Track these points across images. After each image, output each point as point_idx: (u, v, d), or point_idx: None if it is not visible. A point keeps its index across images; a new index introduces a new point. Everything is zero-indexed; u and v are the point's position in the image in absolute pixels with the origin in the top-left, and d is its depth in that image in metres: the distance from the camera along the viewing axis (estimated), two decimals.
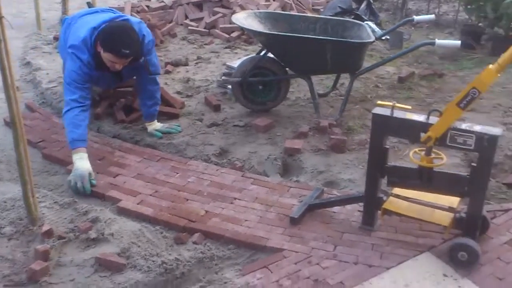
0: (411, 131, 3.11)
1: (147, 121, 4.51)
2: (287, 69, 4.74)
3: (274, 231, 3.32)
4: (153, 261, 3.02)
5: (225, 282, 2.90)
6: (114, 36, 3.92)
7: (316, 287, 2.89)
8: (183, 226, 3.36)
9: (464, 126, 2.99)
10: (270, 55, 4.70)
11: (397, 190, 3.35)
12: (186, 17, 7.55)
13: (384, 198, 3.32)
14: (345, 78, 5.19)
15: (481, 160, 2.98)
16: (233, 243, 3.24)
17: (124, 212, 3.52)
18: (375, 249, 3.19)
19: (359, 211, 3.45)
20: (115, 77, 4.31)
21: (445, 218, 3.15)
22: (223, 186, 3.81)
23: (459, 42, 4.41)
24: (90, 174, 3.80)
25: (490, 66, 2.88)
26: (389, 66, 5.93)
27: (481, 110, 5.02)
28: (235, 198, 3.67)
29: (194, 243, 3.22)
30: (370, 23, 6.99)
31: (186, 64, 6.08)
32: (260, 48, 4.93)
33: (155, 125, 4.51)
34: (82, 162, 3.82)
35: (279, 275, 2.97)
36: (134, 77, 4.49)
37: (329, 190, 3.75)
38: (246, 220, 3.43)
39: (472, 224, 3.11)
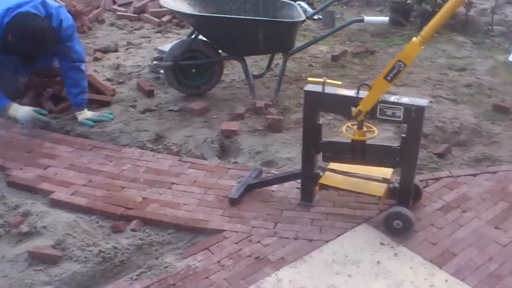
0: (342, 106, 3.22)
1: (77, 110, 4.42)
2: (220, 51, 4.77)
3: (214, 213, 3.38)
4: (90, 251, 3.00)
5: (166, 267, 2.92)
6: (28, 38, 3.84)
7: (257, 264, 2.97)
8: (120, 214, 3.35)
9: (392, 98, 3.13)
10: (202, 37, 4.71)
11: (332, 165, 3.47)
12: (114, 2, 7.40)
13: (321, 173, 3.44)
14: (280, 59, 5.27)
15: (410, 130, 3.14)
16: (172, 228, 3.27)
17: (57, 204, 3.46)
18: (315, 224, 3.31)
19: (297, 188, 3.56)
20: (25, 62, 4.19)
21: (379, 189, 3.30)
22: (160, 171, 3.81)
23: (386, 18, 4.60)
24: (34, 110, 4.17)
25: (414, 39, 3.03)
26: (322, 45, 6.09)
27: (412, 84, 5.26)
28: (172, 183, 3.68)
29: (132, 230, 3.22)
30: (301, 2, 7.10)
31: (116, 51, 5.98)
32: (191, 30, 4.93)
33: (86, 114, 4.43)
34: (19, 109, 4.17)
35: (221, 255, 3.03)
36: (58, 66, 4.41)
37: (268, 170, 3.83)
38: (185, 204, 3.46)
39: (405, 193, 3.28)
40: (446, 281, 2.89)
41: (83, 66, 4.37)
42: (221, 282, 2.84)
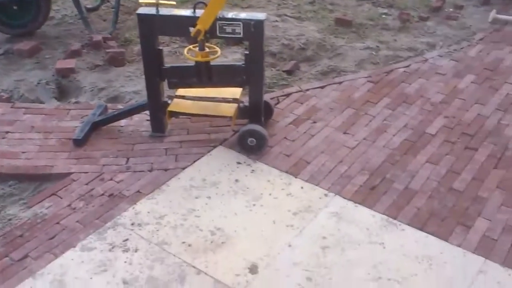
0: (179, 27, 3.20)
1: None
2: None
3: (58, 157, 3.27)
4: None
5: (10, 219, 2.81)
6: None
7: (112, 201, 2.97)
8: None
9: (230, 15, 3.18)
10: None
11: (181, 91, 3.50)
12: None
13: (169, 101, 3.45)
14: None
15: (252, 46, 3.23)
16: (13, 179, 3.13)
17: None
18: (169, 153, 3.36)
19: (147, 120, 3.55)
20: None
21: (230, 109, 3.41)
22: None
23: None
24: None
25: None
26: None
27: (257, 6, 5.39)
28: (7, 132, 3.48)
29: None
30: None
31: None
32: None
33: None
34: None
35: (71, 199, 2.97)
36: None
37: (114, 106, 3.77)
38: (24, 152, 3.30)
39: (256, 110, 3.42)
40: (302, 187, 3.12)
41: None
42: (74, 225, 2.80)
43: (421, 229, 2.84)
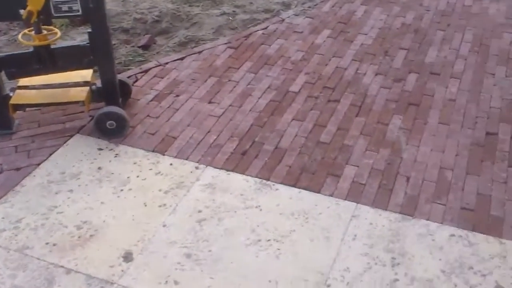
0: (7, 11, 2.90)
1: None
2: None
3: None
4: None
5: None
6: None
7: None
8: None
9: None
10: None
11: (23, 81, 3.23)
12: None
13: (11, 94, 3.17)
14: None
15: (94, 23, 3.04)
16: None
17: None
18: (20, 150, 3.11)
19: None
20: None
21: (81, 93, 3.20)
22: None
23: None
24: None
25: None
26: None
27: None
28: None
29: None
30: None
31: None
32: None
33: None
34: None
35: None
36: None
37: None
38: None
39: (111, 91, 3.24)
40: (171, 164, 3.03)
41: None
42: None
43: (294, 186, 2.88)
